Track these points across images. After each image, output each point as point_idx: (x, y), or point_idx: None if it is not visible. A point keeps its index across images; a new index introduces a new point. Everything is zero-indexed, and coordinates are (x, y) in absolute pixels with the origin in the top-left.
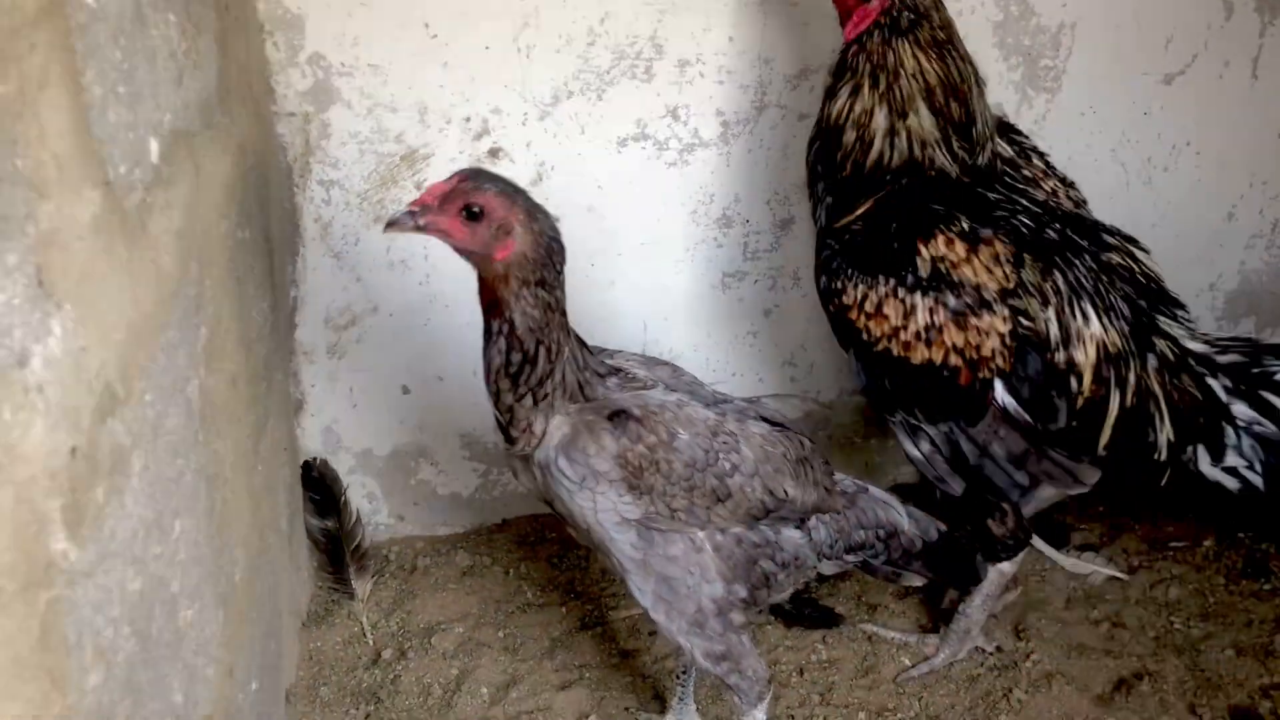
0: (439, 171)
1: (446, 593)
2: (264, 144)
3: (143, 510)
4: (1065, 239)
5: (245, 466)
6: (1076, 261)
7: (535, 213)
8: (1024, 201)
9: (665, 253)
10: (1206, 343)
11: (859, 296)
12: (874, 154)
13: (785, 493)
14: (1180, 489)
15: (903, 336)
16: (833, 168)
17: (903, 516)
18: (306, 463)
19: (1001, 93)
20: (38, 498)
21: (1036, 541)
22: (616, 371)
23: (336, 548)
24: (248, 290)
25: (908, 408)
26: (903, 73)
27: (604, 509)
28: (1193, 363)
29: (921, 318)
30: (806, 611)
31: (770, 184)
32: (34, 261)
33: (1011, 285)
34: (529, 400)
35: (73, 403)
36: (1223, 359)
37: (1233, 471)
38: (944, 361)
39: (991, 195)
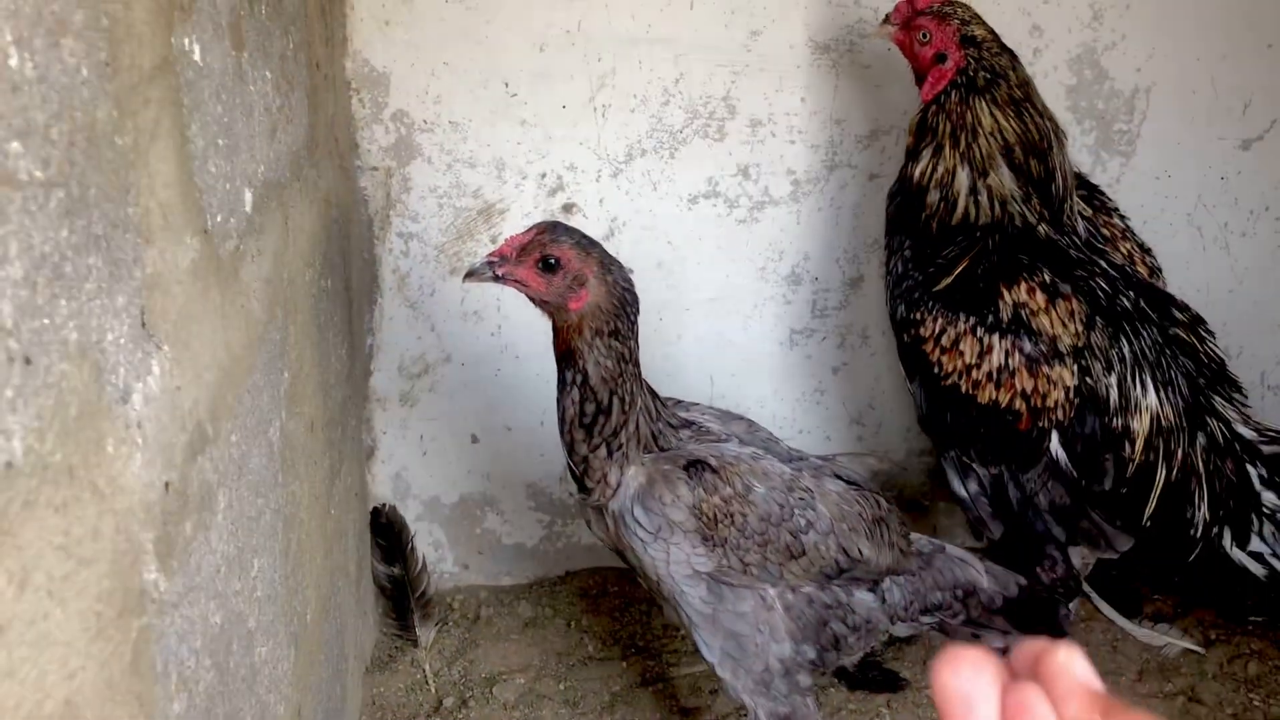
0: (514, 225)
1: (509, 643)
2: (347, 196)
3: (225, 546)
4: (1137, 308)
5: (319, 510)
6: (1144, 332)
7: (609, 264)
8: (1103, 264)
9: (733, 308)
10: (1257, 430)
11: (937, 330)
12: (959, 213)
13: (860, 552)
14: (1207, 568)
15: (974, 375)
16: (916, 224)
17: (981, 574)
18: (375, 509)
19: (1075, 156)
20: (134, 528)
21: (1107, 609)
22: (690, 424)
23: (401, 594)
24: (328, 337)
25: (964, 445)
26: (980, 131)
27: (676, 560)
28: (1238, 447)
29: (996, 359)
30: (871, 675)
31: (840, 242)
32: (139, 304)
33: (1081, 344)
34: (603, 451)
35: (168, 439)
36: (1267, 449)
37: (1258, 557)
38: (1008, 404)
39: (1073, 253)
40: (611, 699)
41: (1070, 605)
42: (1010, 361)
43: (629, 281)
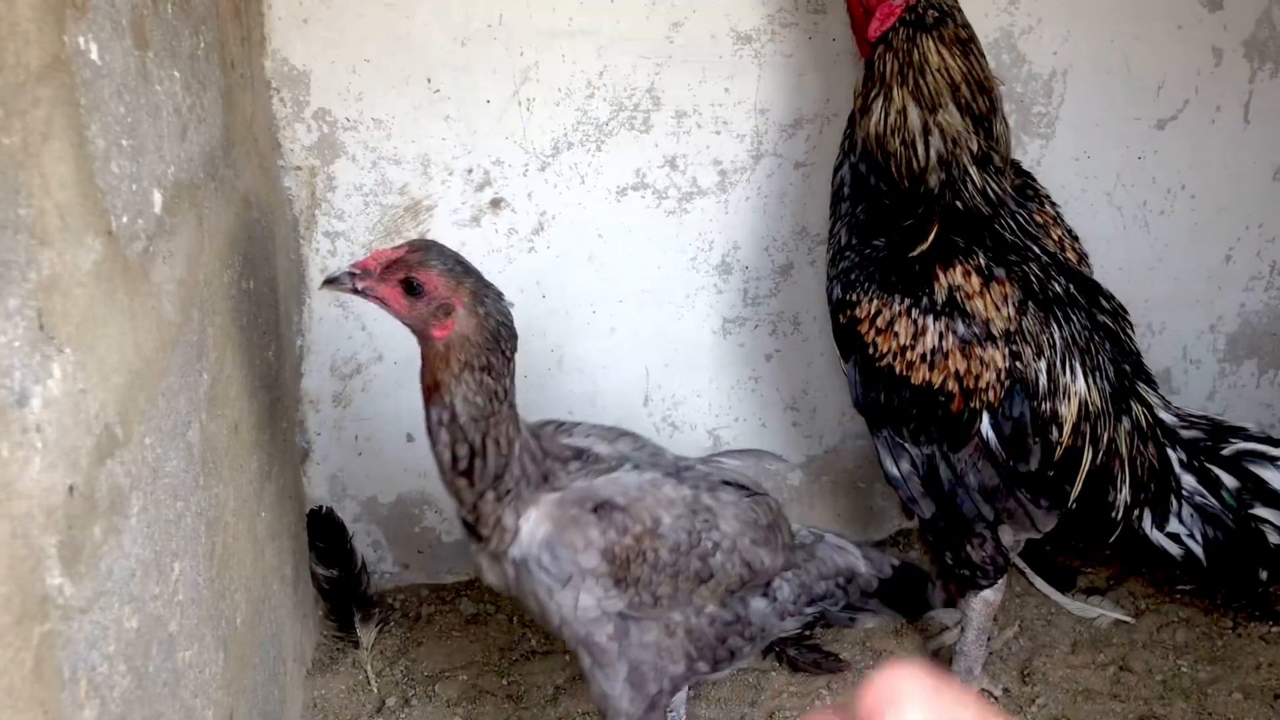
0: (442, 222)
1: (451, 640)
2: (271, 197)
3: (141, 550)
4: (1068, 294)
5: (248, 512)
6: (1074, 317)
7: (482, 296)
8: (1035, 249)
9: (665, 299)
10: (1177, 415)
11: (872, 311)
12: (918, 156)
13: (763, 562)
14: (1128, 547)
15: (908, 356)
16: (869, 189)
17: (859, 559)
18: (312, 510)
19: None
20: (34, 533)
21: (1041, 585)
22: (580, 452)
23: (341, 595)
24: (252, 339)
25: (897, 425)
26: (928, 69)
27: (585, 605)
28: (1159, 432)
29: (931, 340)
30: (811, 657)
31: (769, 231)
32: (35, 306)
33: (1013, 329)
34: (491, 495)
35: (71, 443)
36: (1186, 433)
37: (1175, 538)
38: (941, 386)
39: (1008, 237)
40: (555, 692)
41: (997, 587)
42: (944, 343)
43: (506, 315)
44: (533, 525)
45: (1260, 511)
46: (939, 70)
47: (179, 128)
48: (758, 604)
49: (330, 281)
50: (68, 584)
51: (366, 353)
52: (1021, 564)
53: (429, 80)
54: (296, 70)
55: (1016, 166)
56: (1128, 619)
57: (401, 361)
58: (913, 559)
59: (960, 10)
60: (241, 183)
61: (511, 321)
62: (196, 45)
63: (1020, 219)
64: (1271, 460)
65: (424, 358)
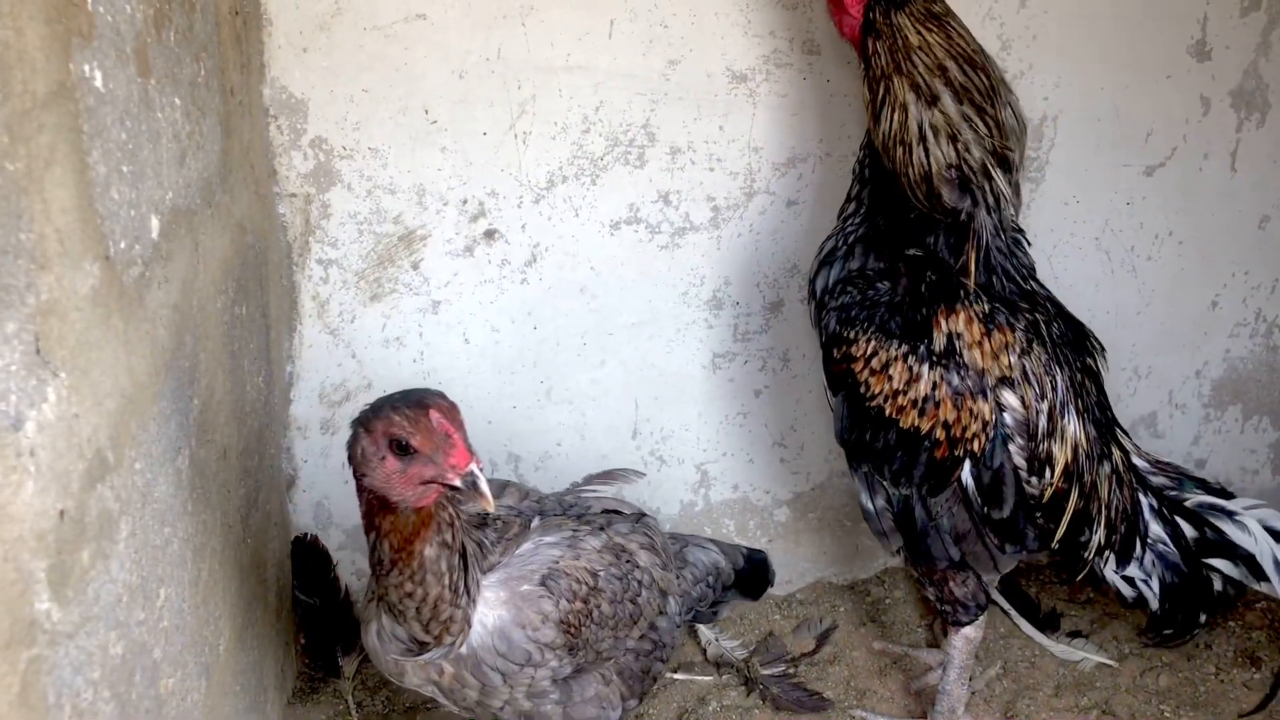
0: (435, 251)
1: None
2: (265, 223)
3: (128, 576)
4: (1065, 337)
5: (234, 539)
6: (1072, 361)
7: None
8: (1036, 286)
9: (656, 333)
10: (1147, 462)
11: (868, 351)
12: (919, 160)
13: (672, 584)
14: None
15: (900, 400)
16: (891, 197)
17: (719, 554)
18: (297, 538)
19: None
20: (24, 557)
21: (1026, 626)
22: (482, 520)
23: (324, 624)
24: (242, 365)
25: (878, 464)
26: (911, 48)
27: (538, 679)
28: (1133, 478)
29: (924, 388)
30: (795, 695)
31: (760, 267)
32: (32, 330)
33: (1013, 376)
34: (452, 604)
35: (64, 467)
36: (1155, 480)
37: (1130, 580)
38: (928, 432)
39: (1023, 285)
40: None
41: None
42: (937, 393)
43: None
44: (481, 614)
45: (1214, 561)
46: (921, 49)
47: (178, 154)
48: (661, 622)
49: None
50: (55, 609)
51: (356, 380)
52: (1005, 605)
53: (426, 111)
54: (295, 98)
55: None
56: (1111, 663)
57: (391, 389)
58: (898, 600)
59: None
60: (237, 209)
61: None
62: (197, 72)
63: (1019, 258)
64: (1230, 515)
65: (387, 526)
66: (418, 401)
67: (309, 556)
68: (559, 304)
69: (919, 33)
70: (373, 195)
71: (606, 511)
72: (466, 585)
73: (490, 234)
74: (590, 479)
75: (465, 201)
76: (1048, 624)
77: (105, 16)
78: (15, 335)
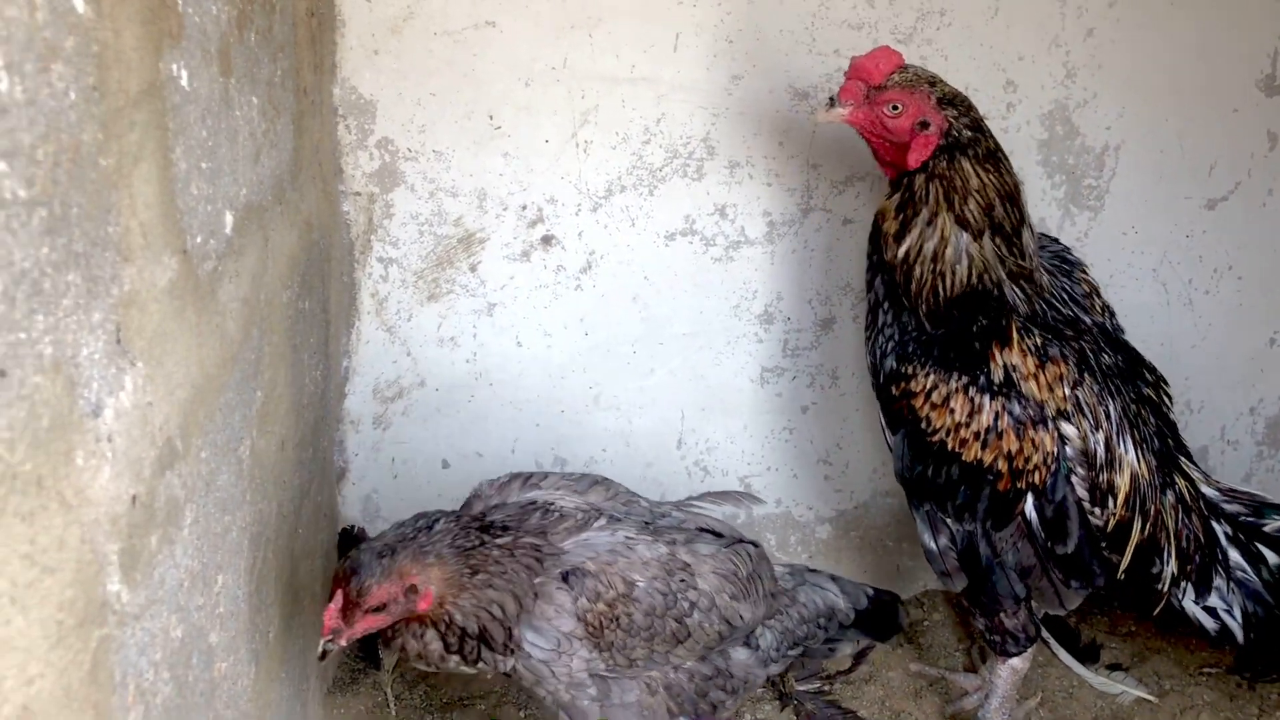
0: (493, 255)
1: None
2: (330, 220)
3: (190, 561)
4: (1118, 368)
5: (287, 529)
6: (1125, 390)
7: (422, 552)
8: (1086, 320)
9: (706, 344)
10: (1217, 490)
11: (929, 385)
12: (951, 282)
13: (741, 618)
14: (1169, 619)
15: (962, 433)
16: (899, 296)
17: (838, 595)
18: (345, 529)
19: (1045, 209)
20: (99, 540)
21: (1065, 656)
22: (534, 506)
23: None
24: (303, 358)
25: (940, 500)
26: (970, 192)
27: (576, 669)
28: (1202, 505)
29: (986, 419)
30: (829, 713)
31: (813, 284)
32: (115, 320)
33: (1068, 408)
34: (491, 655)
35: (137, 454)
36: (1228, 507)
37: (1212, 612)
38: (991, 464)
39: (1064, 311)
40: None
41: (1025, 656)
42: (999, 423)
43: (450, 529)
44: None
45: None
46: (978, 191)
47: (253, 151)
48: (739, 654)
49: (324, 656)
50: (125, 590)
51: (410, 377)
52: (1045, 634)
53: (491, 117)
54: (364, 99)
55: (1050, 239)
56: (1150, 698)
57: (443, 388)
58: (937, 623)
59: (984, 121)
60: (305, 206)
61: (459, 524)
62: (274, 72)
63: (1066, 288)
64: None
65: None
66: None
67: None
68: (611, 312)
69: (978, 175)
70: (435, 197)
71: (703, 530)
72: (489, 647)
73: (547, 240)
74: (703, 496)
75: (525, 207)
76: (1087, 655)
77: (193, 17)
78: (100, 325)
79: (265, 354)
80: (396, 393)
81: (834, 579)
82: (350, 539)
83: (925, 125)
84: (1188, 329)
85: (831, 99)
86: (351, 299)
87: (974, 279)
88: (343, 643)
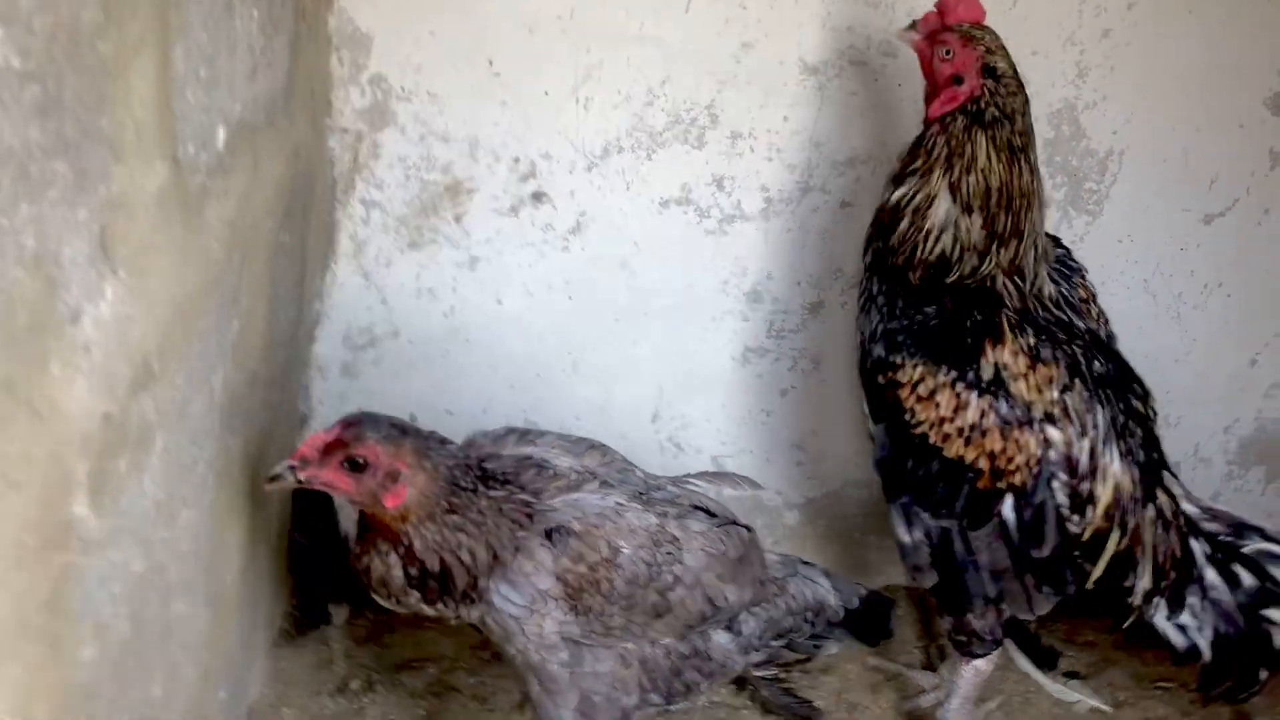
0: (480, 207)
1: (424, 631)
2: (316, 154)
3: (157, 492)
4: (1109, 377)
5: (251, 469)
6: (1115, 400)
7: (426, 452)
8: (1080, 325)
9: (691, 319)
10: (1198, 507)
11: (916, 376)
12: (927, 247)
13: (725, 599)
14: (1138, 634)
15: (946, 428)
16: (887, 265)
17: (829, 591)
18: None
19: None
20: (69, 457)
21: (1022, 661)
22: (529, 461)
23: (320, 569)
24: (279, 293)
25: (918, 494)
26: (975, 167)
27: (548, 630)
28: (1182, 522)
29: (971, 416)
30: (785, 701)
31: (804, 265)
32: (100, 221)
33: (1055, 412)
34: (451, 601)
35: (113, 369)
36: (1208, 525)
37: (1183, 629)
38: (973, 462)
39: (1057, 313)
40: (522, 699)
41: (990, 658)
42: (984, 421)
43: (456, 456)
44: None
45: (1272, 613)
46: (983, 172)
47: (250, 67)
48: (720, 638)
49: (274, 479)
50: (91, 516)
51: (384, 326)
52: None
53: (491, 63)
54: (360, 32)
55: (1055, 240)
56: (1106, 708)
57: (418, 341)
58: (899, 618)
59: (1024, 115)
60: (295, 133)
61: (464, 456)
62: None
63: (1065, 292)
64: None
65: (376, 518)
66: None
67: (313, 498)
68: (598, 277)
69: (989, 157)
70: (425, 141)
71: (697, 508)
72: (448, 592)
73: (538, 196)
74: (701, 475)
75: (517, 160)
76: (1046, 661)
77: None
78: (85, 225)
79: (245, 283)
80: (368, 341)
81: (827, 574)
82: (305, 491)
83: (959, 81)
84: (1173, 342)
85: (913, 22)
86: (330, 240)
87: (956, 255)
88: (302, 478)
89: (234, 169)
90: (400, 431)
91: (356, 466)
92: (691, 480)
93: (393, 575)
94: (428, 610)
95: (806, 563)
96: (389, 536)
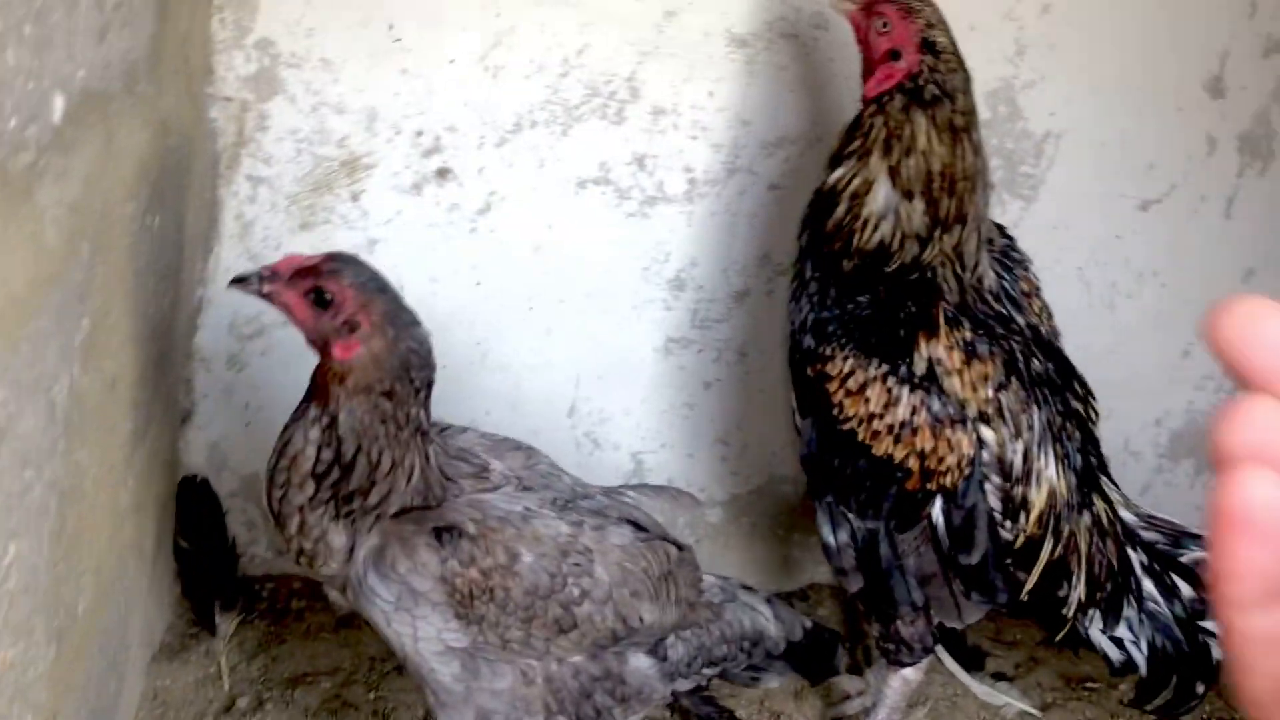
0: (380, 184)
1: (318, 642)
2: (193, 127)
3: None
4: (1047, 375)
5: (112, 480)
6: (1053, 401)
7: (395, 318)
8: (1019, 320)
9: (610, 306)
10: (1136, 515)
11: (846, 369)
12: (864, 235)
13: (641, 619)
14: (1071, 643)
15: (875, 424)
16: (821, 251)
17: (770, 621)
18: (185, 478)
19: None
20: None
21: (949, 663)
22: (467, 458)
23: (204, 576)
24: (148, 283)
25: (844, 494)
26: (914, 149)
27: (425, 636)
28: (1119, 530)
29: (902, 412)
30: (705, 710)
31: (731, 252)
32: None
33: (989, 411)
34: (327, 511)
35: None
36: (1146, 534)
37: (1119, 642)
38: (902, 461)
39: (996, 307)
40: (425, 714)
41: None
42: (915, 418)
43: (420, 341)
44: (363, 539)
45: (1210, 626)
46: (923, 153)
47: (98, 25)
48: (638, 662)
49: (239, 281)
50: None
51: (272, 315)
52: None
53: (391, 27)
54: None
55: (1001, 229)
56: (1034, 711)
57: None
58: (823, 618)
59: (965, 94)
60: (164, 104)
61: (427, 350)
62: None
63: (1006, 285)
64: None
65: (321, 367)
66: None
67: (197, 500)
68: (509, 261)
69: (929, 137)
70: (318, 112)
71: (625, 520)
72: (343, 496)
73: (443, 173)
74: (638, 487)
75: (420, 133)
76: (972, 662)
77: None
78: None
79: (97, 275)
80: (257, 330)
81: (769, 602)
82: (192, 488)
83: (896, 57)
84: (1106, 334)
85: None
86: (212, 220)
87: (896, 243)
88: (265, 290)
89: (78, 144)
90: (379, 289)
91: (322, 301)
92: (627, 491)
93: (304, 455)
94: (308, 538)
95: (748, 588)
96: (321, 400)
